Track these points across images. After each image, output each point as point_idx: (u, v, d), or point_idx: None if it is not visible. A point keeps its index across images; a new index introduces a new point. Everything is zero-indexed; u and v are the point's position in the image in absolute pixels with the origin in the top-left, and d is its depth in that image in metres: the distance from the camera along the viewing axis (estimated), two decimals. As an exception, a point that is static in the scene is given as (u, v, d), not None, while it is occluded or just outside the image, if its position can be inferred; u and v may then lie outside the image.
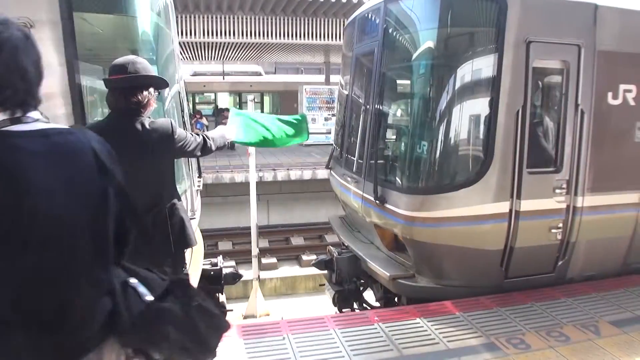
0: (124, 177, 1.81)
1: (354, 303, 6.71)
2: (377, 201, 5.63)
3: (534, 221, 5.30)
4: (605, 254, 5.78)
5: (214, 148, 3.41)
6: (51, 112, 3.90)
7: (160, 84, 3.15)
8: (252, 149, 8.68)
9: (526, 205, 5.21)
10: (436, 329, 4.63)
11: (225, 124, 15.31)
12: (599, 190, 5.49)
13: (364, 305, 6.75)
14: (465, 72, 5.08)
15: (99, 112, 4.94)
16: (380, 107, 5.80)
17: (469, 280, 5.41)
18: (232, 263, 12.48)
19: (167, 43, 5.24)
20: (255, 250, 8.84)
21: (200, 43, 19.49)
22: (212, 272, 6.06)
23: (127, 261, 2.48)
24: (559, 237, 5.45)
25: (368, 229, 6.43)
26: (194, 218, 4.93)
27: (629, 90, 5.41)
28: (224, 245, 14.49)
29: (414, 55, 5.36)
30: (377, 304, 6.42)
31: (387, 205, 5.56)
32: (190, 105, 25.21)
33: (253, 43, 18.86)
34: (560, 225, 5.42)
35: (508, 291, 5.41)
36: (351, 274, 6.49)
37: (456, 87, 5.10)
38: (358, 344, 4.34)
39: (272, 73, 33.86)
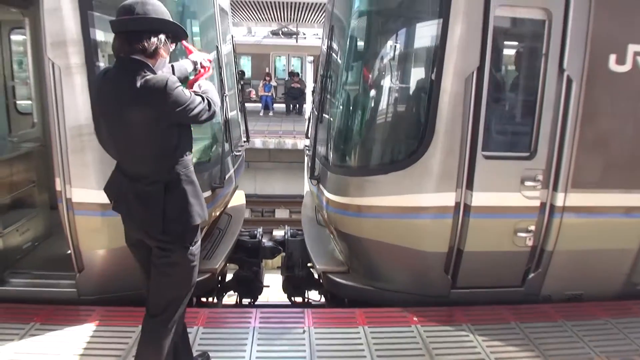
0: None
1: (307, 292, 5.88)
2: (310, 179, 4.71)
3: (492, 220, 4.11)
4: (597, 270, 4.42)
5: (217, 112, 2.85)
6: (62, 62, 3.54)
7: (176, 31, 2.67)
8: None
9: (480, 198, 4.03)
10: (483, 341, 3.80)
11: (294, 88, 14.83)
12: (591, 186, 4.14)
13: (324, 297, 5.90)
14: (403, 24, 3.94)
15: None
16: (328, 68, 4.80)
17: (405, 285, 4.37)
18: (281, 233, 12.26)
19: None
20: None
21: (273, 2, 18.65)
22: (249, 245, 5.65)
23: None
24: (530, 242, 4.20)
25: None
26: (220, 186, 4.46)
27: None
28: (281, 213, 14.12)
29: (349, 5, 4.26)
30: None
31: (320, 186, 4.63)
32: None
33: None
34: (532, 228, 4.16)
35: (457, 304, 4.30)
36: (304, 259, 5.65)
37: (391, 42, 3.99)
38: (387, 348, 3.69)
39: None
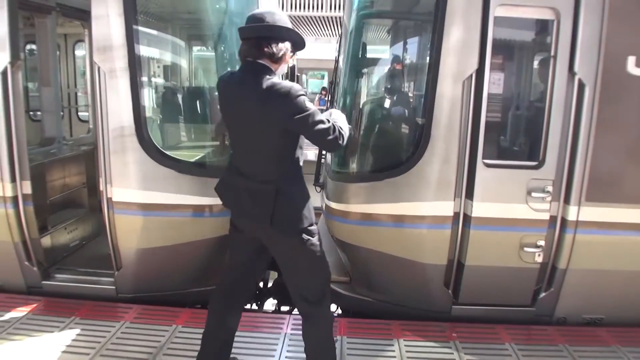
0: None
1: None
2: (314, 185, 4.66)
3: (495, 232, 3.85)
4: (620, 293, 4.00)
5: (342, 144, 2.84)
6: (107, 65, 3.79)
7: (299, 43, 2.87)
8: None
9: (481, 209, 3.80)
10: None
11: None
12: (608, 199, 3.79)
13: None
14: (398, 25, 3.83)
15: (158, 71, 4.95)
16: (335, 75, 4.76)
17: (403, 298, 4.19)
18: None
19: (246, 6, 4.81)
20: None
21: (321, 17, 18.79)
22: None
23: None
24: (539, 259, 3.90)
25: None
26: None
27: None
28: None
29: (350, 8, 4.20)
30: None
31: (323, 193, 4.58)
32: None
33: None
34: (541, 243, 3.86)
35: (459, 321, 4.06)
36: None
37: (387, 45, 3.89)
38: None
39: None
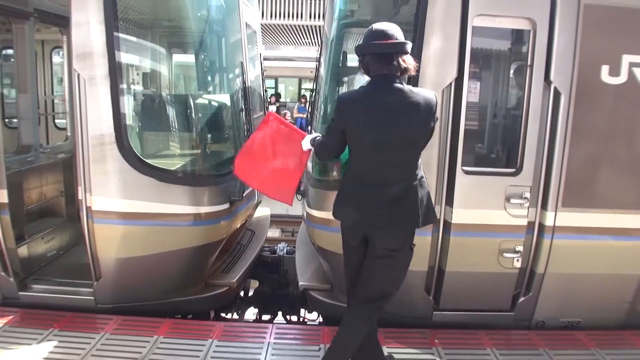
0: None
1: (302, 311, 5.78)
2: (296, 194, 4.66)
3: (475, 238, 3.91)
4: (596, 297, 4.10)
5: None
6: (87, 73, 3.72)
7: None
8: None
9: (461, 215, 3.85)
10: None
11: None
12: (583, 205, 3.88)
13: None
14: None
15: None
16: (316, 83, 4.78)
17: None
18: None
19: (227, 14, 4.93)
20: None
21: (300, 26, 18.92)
22: (270, 260, 5.69)
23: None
24: (517, 264, 3.96)
25: None
26: (238, 199, 4.49)
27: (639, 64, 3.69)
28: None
29: (331, 16, 4.24)
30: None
31: (304, 200, 4.58)
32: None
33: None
34: (520, 248, 3.93)
35: (441, 326, 4.10)
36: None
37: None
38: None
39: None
